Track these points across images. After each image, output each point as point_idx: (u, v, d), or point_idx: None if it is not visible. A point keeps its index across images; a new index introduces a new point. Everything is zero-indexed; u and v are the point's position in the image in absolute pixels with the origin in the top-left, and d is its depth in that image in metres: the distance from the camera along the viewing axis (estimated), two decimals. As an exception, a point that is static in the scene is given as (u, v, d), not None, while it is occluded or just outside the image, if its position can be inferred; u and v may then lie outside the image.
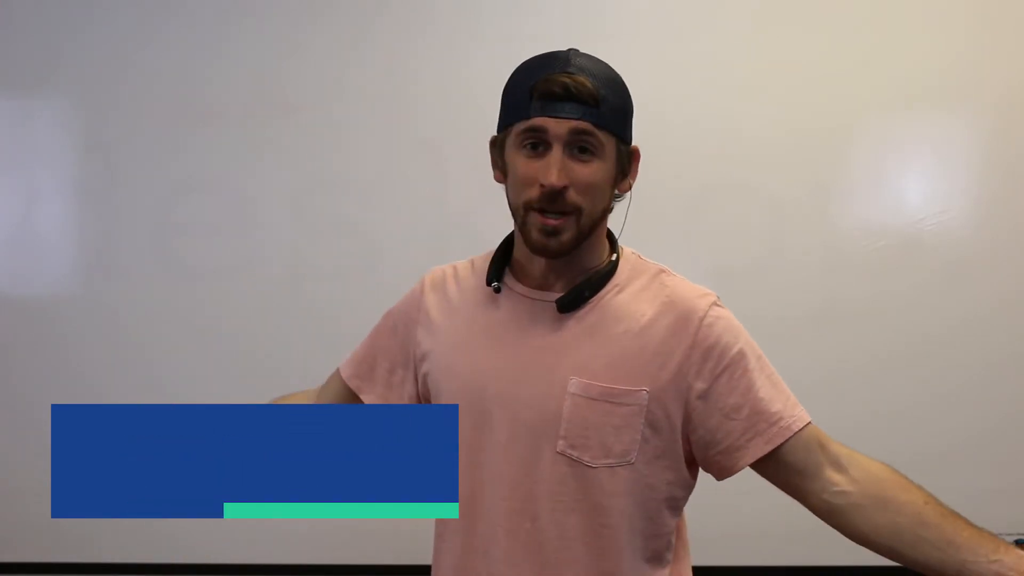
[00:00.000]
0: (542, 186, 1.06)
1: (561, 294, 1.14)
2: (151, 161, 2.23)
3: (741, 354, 1.12)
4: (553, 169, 1.05)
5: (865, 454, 1.13)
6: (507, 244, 1.21)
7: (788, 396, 1.14)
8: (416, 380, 1.26)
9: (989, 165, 2.18)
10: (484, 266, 1.22)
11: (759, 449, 1.11)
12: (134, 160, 2.23)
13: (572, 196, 1.07)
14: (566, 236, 1.08)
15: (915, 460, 2.08)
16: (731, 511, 2.04)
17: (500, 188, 1.15)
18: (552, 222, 1.07)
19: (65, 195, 2.26)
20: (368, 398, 1.28)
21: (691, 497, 1.20)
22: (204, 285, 2.22)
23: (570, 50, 1.10)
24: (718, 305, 1.14)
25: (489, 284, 1.17)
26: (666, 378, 1.10)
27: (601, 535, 1.12)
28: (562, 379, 1.10)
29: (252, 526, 2.14)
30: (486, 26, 2.19)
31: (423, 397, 1.25)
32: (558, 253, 1.10)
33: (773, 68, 2.17)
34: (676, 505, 1.18)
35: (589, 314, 1.13)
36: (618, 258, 1.17)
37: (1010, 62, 2.16)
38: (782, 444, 1.10)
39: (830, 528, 1.12)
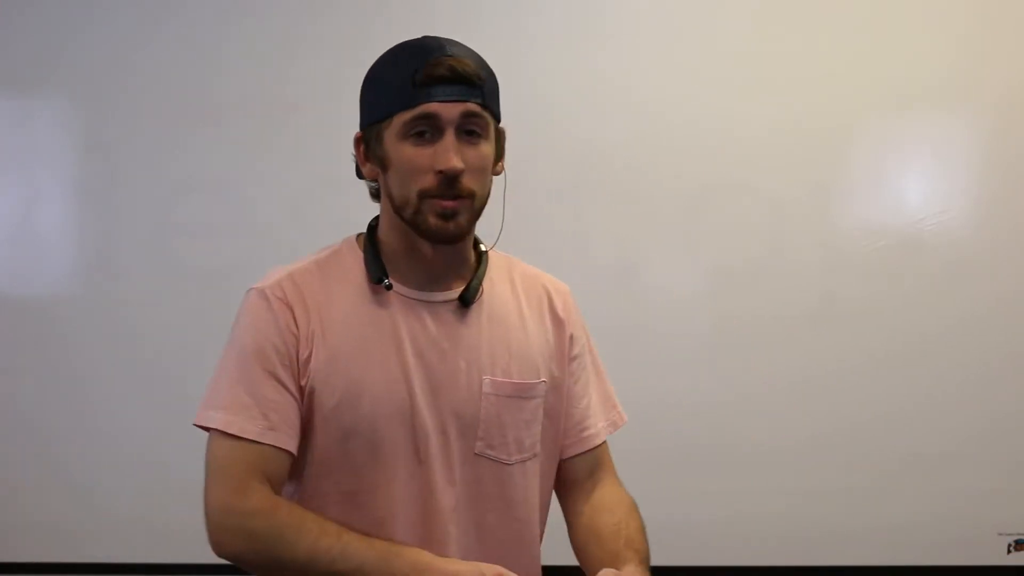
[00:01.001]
0: (439, 172, 1.01)
1: (447, 291, 1.10)
2: (151, 161, 2.23)
3: (586, 347, 1.21)
4: (451, 153, 1.01)
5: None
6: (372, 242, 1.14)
7: (607, 394, 1.23)
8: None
9: (989, 165, 2.18)
10: (341, 266, 1.13)
11: (580, 447, 1.18)
12: (134, 160, 2.23)
13: (467, 180, 1.03)
14: (463, 219, 1.04)
15: (914, 460, 2.10)
16: (731, 512, 2.04)
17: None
18: (450, 204, 1.02)
19: (65, 195, 2.26)
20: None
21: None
22: (204, 285, 2.22)
23: (432, 37, 1.07)
24: (571, 295, 1.21)
25: (379, 282, 1.08)
26: (554, 366, 1.15)
27: (517, 530, 1.14)
28: (475, 380, 1.09)
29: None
30: (486, 26, 2.18)
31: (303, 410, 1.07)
32: (456, 237, 1.06)
33: (773, 68, 2.18)
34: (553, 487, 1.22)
35: (481, 309, 1.12)
36: (486, 248, 1.16)
37: (1010, 62, 2.16)
38: (591, 449, 1.18)
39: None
